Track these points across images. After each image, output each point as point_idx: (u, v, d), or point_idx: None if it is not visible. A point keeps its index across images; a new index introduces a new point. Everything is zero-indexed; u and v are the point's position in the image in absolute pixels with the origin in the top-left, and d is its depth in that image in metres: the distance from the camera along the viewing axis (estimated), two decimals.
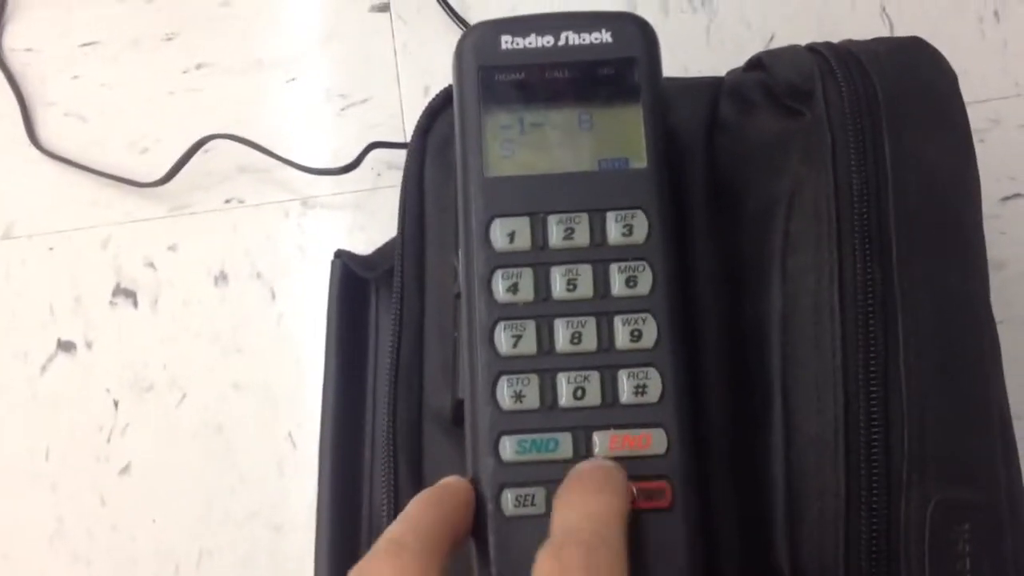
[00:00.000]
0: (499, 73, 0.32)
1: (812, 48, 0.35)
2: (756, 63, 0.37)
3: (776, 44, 0.53)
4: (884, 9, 0.56)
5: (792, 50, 0.36)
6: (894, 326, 0.30)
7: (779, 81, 0.35)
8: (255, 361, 0.53)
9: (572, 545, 0.25)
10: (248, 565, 0.51)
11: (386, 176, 0.55)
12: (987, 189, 0.35)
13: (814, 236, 0.32)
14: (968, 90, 0.35)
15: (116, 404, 0.53)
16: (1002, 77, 0.54)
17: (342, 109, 0.57)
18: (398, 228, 0.39)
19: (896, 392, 0.30)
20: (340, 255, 0.49)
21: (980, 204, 0.35)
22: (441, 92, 0.39)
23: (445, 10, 0.57)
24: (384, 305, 0.47)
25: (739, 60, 0.39)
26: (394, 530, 0.27)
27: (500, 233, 0.31)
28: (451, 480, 0.29)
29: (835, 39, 0.36)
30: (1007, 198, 0.53)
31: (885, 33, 0.55)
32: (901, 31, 0.55)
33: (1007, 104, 0.54)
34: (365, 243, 0.54)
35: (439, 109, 0.39)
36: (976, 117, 0.35)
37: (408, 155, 0.39)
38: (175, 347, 0.54)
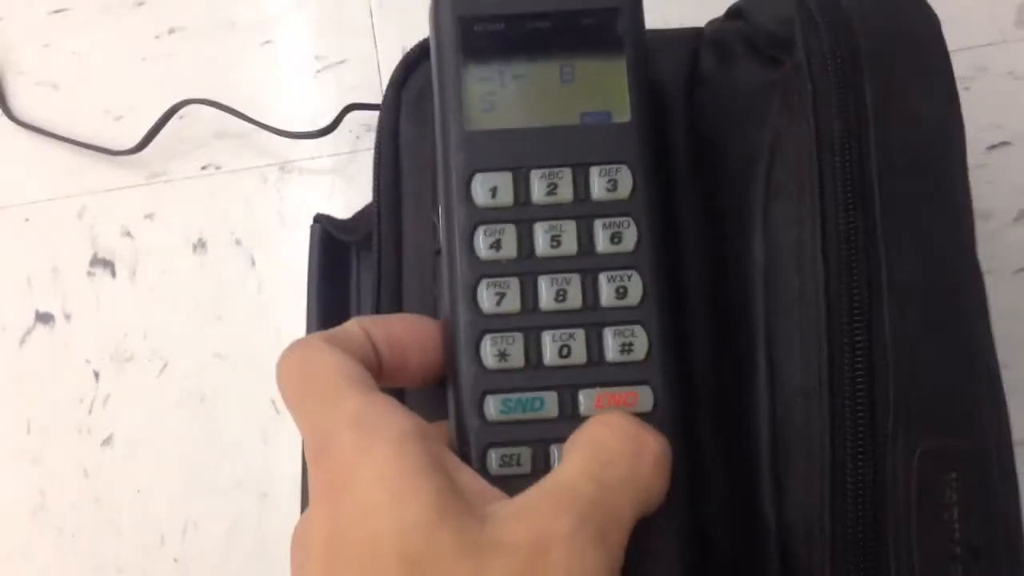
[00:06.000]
0: (478, 24, 0.31)
1: None
2: (736, 12, 0.36)
3: None
4: None
5: None
6: (878, 275, 0.30)
7: (759, 30, 0.35)
8: (236, 329, 0.53)
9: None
10: (234, 533, 0.50)
11: (365, 139, 0.55)
12: (973, 138, 0.34)
13: (796, 186, 0.31)
14: (953, 37, 0.34)
15: (97, 375, 0.53)
16: (988, 23, 0.54)
17: (318, 71, 0.56)
18: (373, 185, 0.38)
19: (881, 342, 0.29)
20: (319, 219, 0.48)
21: (965, 152, 0.34)
22: (416, 45, 0.38)
23: None
24: (365, 269, 0.46)
25: (721, 10, 0.38)
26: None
27: (482, 188, 0.30)
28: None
29: None
30: (993, 147, 0.52)
31: None
32: None
33: (993, 51, 0.53)
34: (345, 207, 0.53)
35: (415, 63, 0.38)
36: (961, 65, 0.34)
37: (382, 110, 0.38)
38: (155, 316, 0.53)
